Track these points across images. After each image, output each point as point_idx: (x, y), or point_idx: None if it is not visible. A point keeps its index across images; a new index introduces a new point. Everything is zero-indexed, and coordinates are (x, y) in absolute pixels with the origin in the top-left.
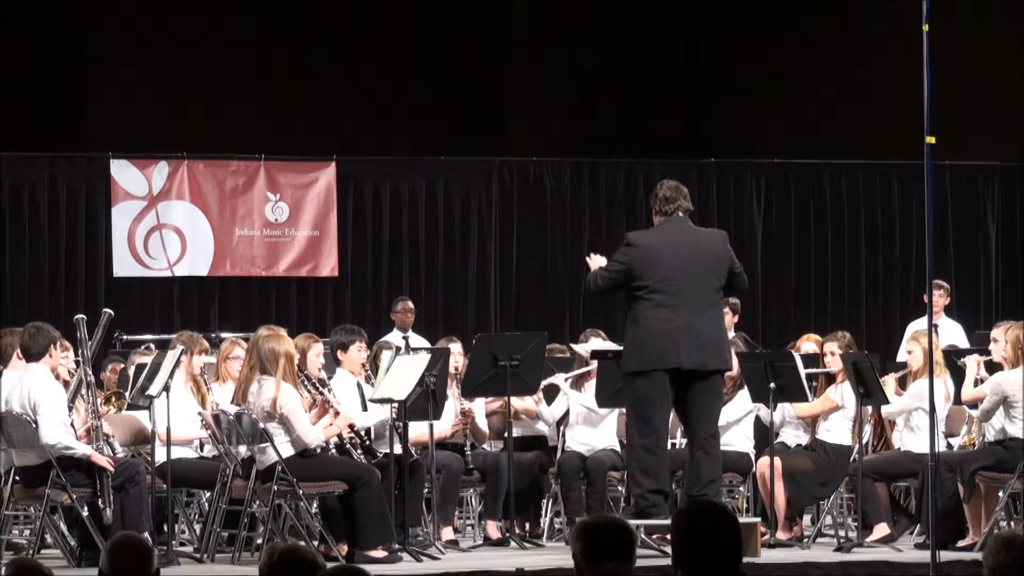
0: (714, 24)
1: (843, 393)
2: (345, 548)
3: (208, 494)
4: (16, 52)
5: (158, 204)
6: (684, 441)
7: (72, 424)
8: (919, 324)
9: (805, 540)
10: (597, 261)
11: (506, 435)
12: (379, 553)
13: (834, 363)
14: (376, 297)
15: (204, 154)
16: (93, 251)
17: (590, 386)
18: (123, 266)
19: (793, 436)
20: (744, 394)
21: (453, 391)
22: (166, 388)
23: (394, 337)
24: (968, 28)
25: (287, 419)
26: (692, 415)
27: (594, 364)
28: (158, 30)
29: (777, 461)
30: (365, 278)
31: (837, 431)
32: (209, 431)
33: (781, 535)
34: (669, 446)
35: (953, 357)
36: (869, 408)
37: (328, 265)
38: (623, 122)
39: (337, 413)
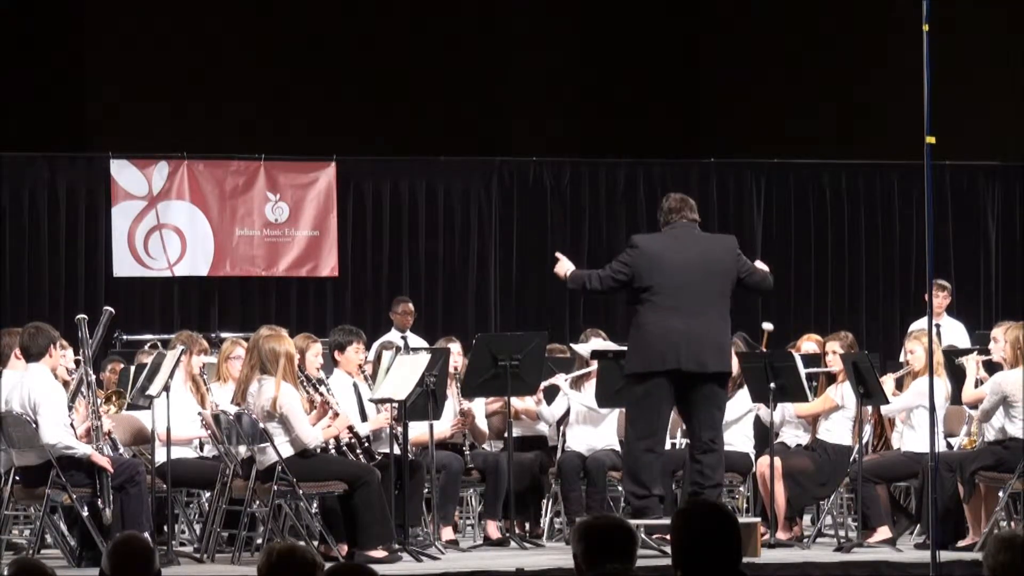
0: (714, 24)
1: (843, 393)
2: (345, 548)
3: (208, 494)
4: (16, 52)
5: (158, 204)
6: (684, 441)
7: (72, 424)
8: (921, 324)
9: (805, 540)
10: (564, 264)
11: (506, 435)
12: (379, 553)
13: (835, 363)
14: (376, 297)
15: (204, 154)
16: (93, 251)
17: (590, 386)
18: (123, 266)
19: (793, 436)
20: (744, 394)
21: (453, 391)
22: (166, 388)
23: (392, 337)
24: (968, 28)
25: (287, 419)
26: (693, 418)
27: (594, 364)
28: (158, 30)
29: (777, 461)
30: (365, 278)
31: (837, 431)
32: (209, 431)
33: (781, 535)
34: (669, 446)
35: (952, 357)
36: (869, 408)
37: (328, 265)
38: (623, 122)
39: (337, 414)
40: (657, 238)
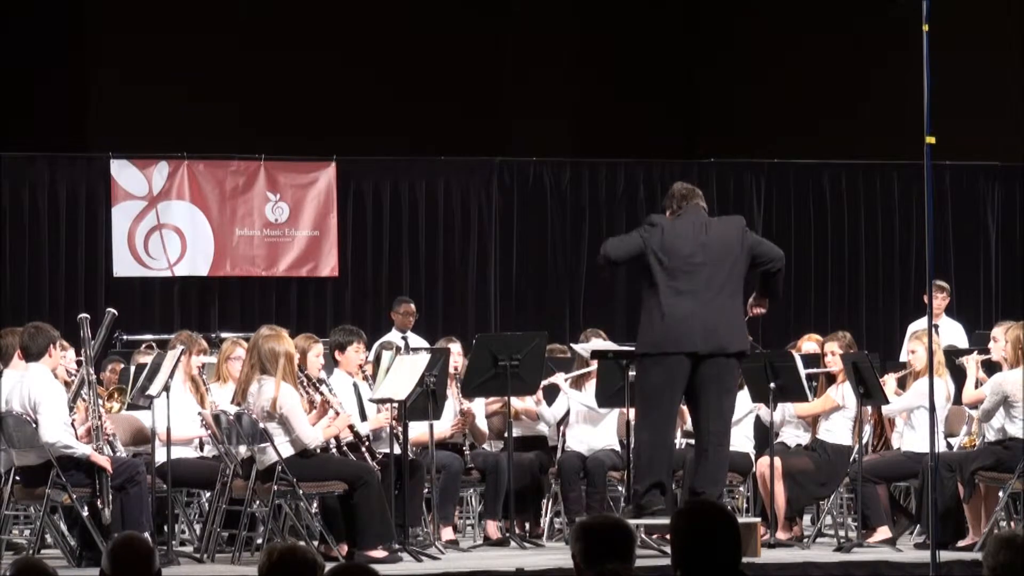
0: (714, 24)
1: (844, 393)
2: (345, 548)
3: (208, 494)
4: (16, 52)
5: (158, 204)
6: (685, 442)
7: (73, 424)
8: (919, 324)
9: (805, 540)
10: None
11: (506, 435)
12: (379, 553)
13: (835, 363)
14: (376, 297)
15: (204, 154)
16: (93, 251)
17: (590, 386)
18: (123, 266)
19: (793, 436)
20: (744, 395)
21: (453, 391)
22: (166, 388)
23: (393, 337)
24: (968, 28)
25: (287, 419)
26: (702, 408)
27: (594, 364)
28: (158, 30)
29: (777, 461)
30: (365, 278)
31: (837, 431)
32: (209, 431)
33: (781, 535)
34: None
35: (952, 357)
36: (869, 408)
37: (328, 265)
38: (623, 122)
39: (337, 413)
40: (672, 219)
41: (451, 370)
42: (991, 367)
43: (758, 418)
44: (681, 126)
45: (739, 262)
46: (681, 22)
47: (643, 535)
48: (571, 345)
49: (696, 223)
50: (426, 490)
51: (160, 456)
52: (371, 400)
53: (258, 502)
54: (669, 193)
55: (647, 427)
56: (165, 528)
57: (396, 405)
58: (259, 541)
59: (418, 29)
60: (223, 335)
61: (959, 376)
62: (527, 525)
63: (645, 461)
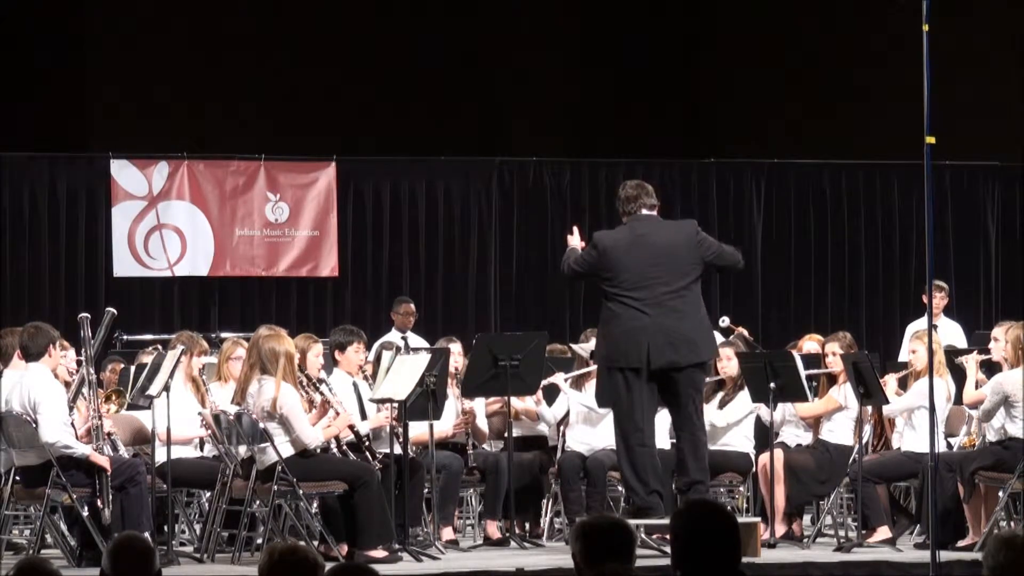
0: (714, 24)
1: (846, 393)
2: (345, 548)
3: (208, 494)
4: (16, 52)
5: (158, 204)
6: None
7: (73, 424)
8: (919, 324)
9: (805, 540)
10: (575, 240)
11: (506, 435)
12: (379, 553)
13: (835, 363)
14: (376, 297)
15: (204, 154)
16: (93, 251)
17: (590, 386)
18: (123, 266)
19: (793, 436)
20: (744, 394)
21: (453, 391)
22: (166, 388)
23: (393, 337)
24: (968, 28)
25: (287, 419)
26: (672, 411)
27: (594, 364)
28: (158, 30)
29: (779, 453)
30: (365, 278)
31: (840, 431)
32: (209, 431)
33: (779, 528)
34: (668, 446)
35: (952, 357)
36: (869, 408)
37: (328, 265)
38: (623, 122)
39: (338, 413)
40: (617, 234)
41: (451, 370)
42: (991, 367)
43: (758, 418)
44: (681, 126)
45: (693, 271)
46: (681, 22)
47: (643, 535)
48: (571, 345)
49: (644, 234)
50: (426, 490)
51: (160, 456)
52: (371, 400)
53: (258, 502)
54: (617, 195)
55: (621, 439)
56: (165, 528)
57: (396, 405)
58: (259, 541)
59: (417, 29)
60: (223, 335)
61: (959, 376)
62: (527, 525)
63: (631, 468)
